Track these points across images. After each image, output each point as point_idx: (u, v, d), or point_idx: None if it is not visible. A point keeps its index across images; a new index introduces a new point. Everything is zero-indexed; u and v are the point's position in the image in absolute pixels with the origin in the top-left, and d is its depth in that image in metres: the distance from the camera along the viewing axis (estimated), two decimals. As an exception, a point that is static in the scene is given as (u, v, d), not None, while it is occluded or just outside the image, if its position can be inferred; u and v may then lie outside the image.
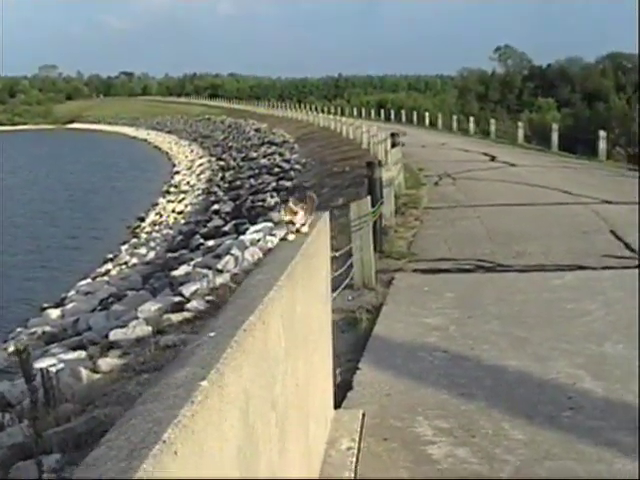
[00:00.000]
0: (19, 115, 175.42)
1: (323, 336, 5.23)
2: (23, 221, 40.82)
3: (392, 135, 20.71)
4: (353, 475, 4.87)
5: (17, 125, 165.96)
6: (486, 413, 5.87)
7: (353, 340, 7.99)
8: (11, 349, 16.77)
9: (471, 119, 48.49)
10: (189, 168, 58.03)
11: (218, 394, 2.34)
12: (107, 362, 11.33)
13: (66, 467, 6.86)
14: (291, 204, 4.61)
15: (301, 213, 4.61)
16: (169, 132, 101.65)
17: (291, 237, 4.59)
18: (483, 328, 8.19)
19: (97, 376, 11.01)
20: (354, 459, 5.08)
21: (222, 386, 2.39)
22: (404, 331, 8.17)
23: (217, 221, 28.45)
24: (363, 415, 5.83)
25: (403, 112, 62.90)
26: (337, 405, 5.94)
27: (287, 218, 4.61)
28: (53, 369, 11.07)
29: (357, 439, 5.39)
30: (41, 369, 11.25)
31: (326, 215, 5.54)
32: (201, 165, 57.24)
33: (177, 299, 14.34)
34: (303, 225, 4.69)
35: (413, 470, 5.01)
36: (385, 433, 5.58)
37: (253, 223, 22.58)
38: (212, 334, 2.77)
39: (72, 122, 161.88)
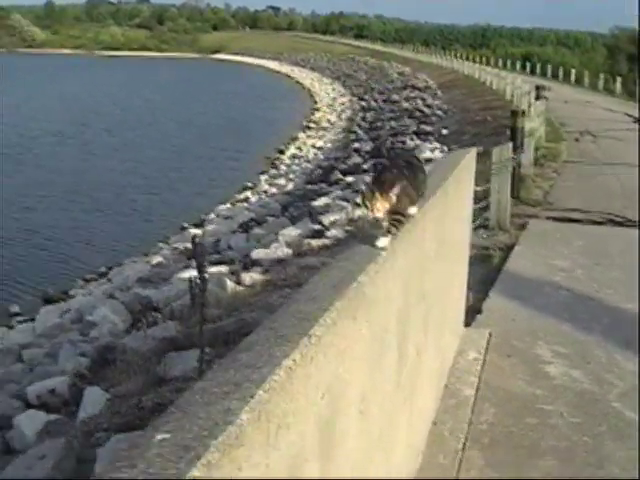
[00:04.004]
0: (166, 42, 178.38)
1: (462, 255, 5.88)
2: (171, 139, 42.41)
3: (537, 88, 20.92)
4: (477, 380, 5.52)
5: (163, 52, 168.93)
6: (601, 345, 6.41)
7: (485, 274, 8.56)
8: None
9: (618, 79, 47.55)
10: (330, 106, 58.53)
11: (391, 265, 3.03)
12: (250, 276, 12.21)
13: (215, 360, 7.56)
14: (377, 193, 3.25)
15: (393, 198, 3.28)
16: (312, 69, 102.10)
17: (382, 242, 3.23)
18: (607, 275, 8.67)
19: (240, 288, 11.91)
20: (479, 368, 5.74)
21: (395, 260, 3.07)
22: (533, 269, 8.74)
23: (356, 159, 28.97)
24: (489, 334, 6.46)
25: (549, 67, 61.89)
26: (467, 324, 6.58)
27: (377, 212, 3.26)
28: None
29: (483, 352, 6.04)
30: (189, 277, 12.25)
31: (474, 150, 6.11)
32: (342, 104, 57.72)
33: (317, 227, 15.12)
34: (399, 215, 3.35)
35: (530, 382, 5.63)
36: (508, 351, 6.21)
37: (392, 163, 23.10)
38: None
39: (217, 52, 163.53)
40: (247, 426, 1.65)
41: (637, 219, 11.39)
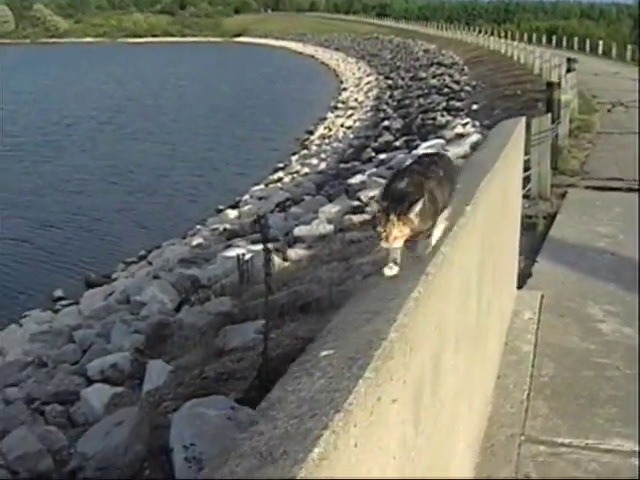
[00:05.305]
0: (188, 27, 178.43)
1: (516, 219, 6.16)
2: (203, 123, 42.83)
3: (568, 60, 21.06)
4: (534, 338, 5.81)
5: (186, 37, 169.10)
6: (649, 304, 6.67)
7: (530, 241, 8.80)
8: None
9: (646, 50, 47.40)
10: (357, 85, 58.67)
11: (474, 221, 3.33)
12: (296, 252, 12.54)
13: (273, 330, 7.86)
14: (393, 216, 2.49)
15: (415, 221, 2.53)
16: (336, 49, 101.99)
17: (390, 270, 2.56)
18: (649, 238, 8.90)
19: (287, 264, 12.23)
20: (535, 327, 6.03)
21: (476, 216, 3.37)
22: (576, 236, 9.00)
23: (387, 136, 29.17)
24: (542, 296, 6.74)
25: (575, 40, 61.59)
26: (519, 287, 6.86)
27: (394, 241, 2.52)
28: (246, 257, 12.35)
29: (537, 312, 6.32)
30: (237, 255, 12.61)
31: (523, 119, 6.37)
32: (369, 83, 57.80)
33: (355, 203, 15.41)
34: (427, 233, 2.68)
35: (584, 338, 5.91)
36: (561, 311, 6.49)
37: (424, 140, 23.35)
38: (458, 185, 3.73)
39: (240, 36, 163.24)
40: (395, 343, 1.95)
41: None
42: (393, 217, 2.47)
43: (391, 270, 2.53)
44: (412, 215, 2.49)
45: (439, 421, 2.67)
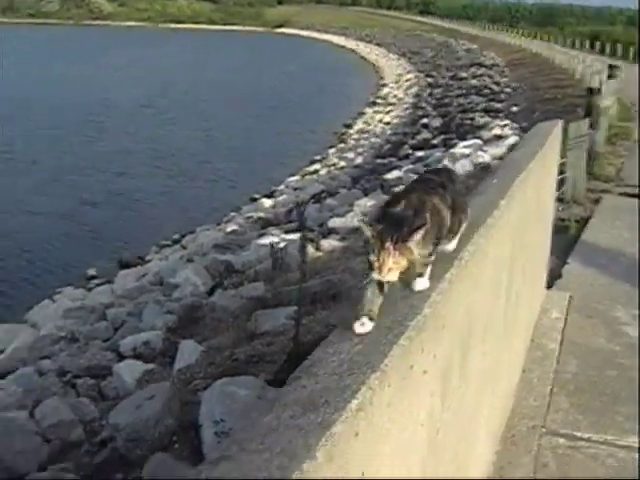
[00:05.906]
0: (231, 15, 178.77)
1: (548, 219, 6.29)
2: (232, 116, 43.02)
3: (610, 67, 21.00)
4: (560, 337, 5.94)
5: (228, 25, 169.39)
6: (677, 311, 6.77)
7: (562, 244, 8.91)
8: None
9: (691, 60, 47.05)
10: (397, 82, 58.57)
11: (507, 218, 3.47)
12: (329, 243, 12.68)
13: (305, 316, 7.99)
14: (389, 245, 2.14)
15: (415, 249, 2.21)
16: (378, 45, 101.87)
17: (420, 285, 2.34)
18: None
19: (319, 254, 12.38)
20: (562, 325, 6.15)
21: (510, 210, 3.51)
22: (608, 240, 9.09)
23: (425, 134, 29.24)
24: (570, 297, 6.86)
25: (619, 46, 61.12)
26: (548, 287, 6.98)
27: (389, 273, 2.16)
28: (280, 245, 12.52)
29: (564, 313, 6.45)
30: (270, 243, 12.79)
31: (560, 122, 6.49)
32: (409, 80, 57.71)
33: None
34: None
35: (610, 340, 6.03)
36: (588, 312, 6.60)
37: (462, 139, 23.39)
38: (495, 180, 3.88)
39: (282, 26, 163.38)
40: (428, 317, 2.11)
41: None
42: (389, 245, 2.13)
43: (363, 327, 2.09)
44: (412, 244, 2.17)
45: (464, 401, 2.83)
